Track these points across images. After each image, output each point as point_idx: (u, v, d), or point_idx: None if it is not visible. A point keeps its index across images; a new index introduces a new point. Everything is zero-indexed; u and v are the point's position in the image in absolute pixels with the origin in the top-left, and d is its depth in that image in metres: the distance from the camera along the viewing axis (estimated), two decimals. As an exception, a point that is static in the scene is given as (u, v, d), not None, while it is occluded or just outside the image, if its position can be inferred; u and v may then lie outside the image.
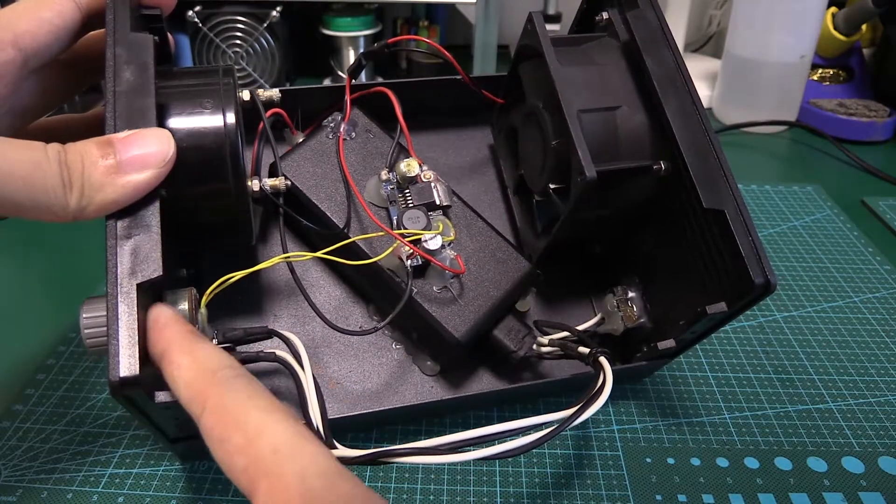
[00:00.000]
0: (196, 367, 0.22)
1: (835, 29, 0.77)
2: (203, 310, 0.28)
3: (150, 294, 0.26)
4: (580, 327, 0.37)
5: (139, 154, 0.26)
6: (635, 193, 0.35)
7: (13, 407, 0.38)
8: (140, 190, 0.26)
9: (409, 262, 0.34)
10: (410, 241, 0.34)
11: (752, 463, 0.36)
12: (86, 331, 0.25)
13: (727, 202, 0.31)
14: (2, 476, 0.34)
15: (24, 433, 0.37)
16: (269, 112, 0.35)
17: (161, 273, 0.25)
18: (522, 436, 0.27)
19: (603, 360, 0.32)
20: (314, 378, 0.31)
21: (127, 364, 0.24)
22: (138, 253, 0.25)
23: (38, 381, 0.40)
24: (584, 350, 0.34)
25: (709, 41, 0.98)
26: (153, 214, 0.26)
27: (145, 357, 0.24)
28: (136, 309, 0.24)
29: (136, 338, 0.24)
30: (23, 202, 0.24)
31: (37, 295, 0.49)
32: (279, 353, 0.32)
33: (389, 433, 0.37)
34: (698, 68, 0.87)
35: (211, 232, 0.32)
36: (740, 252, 0.30)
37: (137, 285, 0.25)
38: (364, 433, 0.37)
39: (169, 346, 0.23)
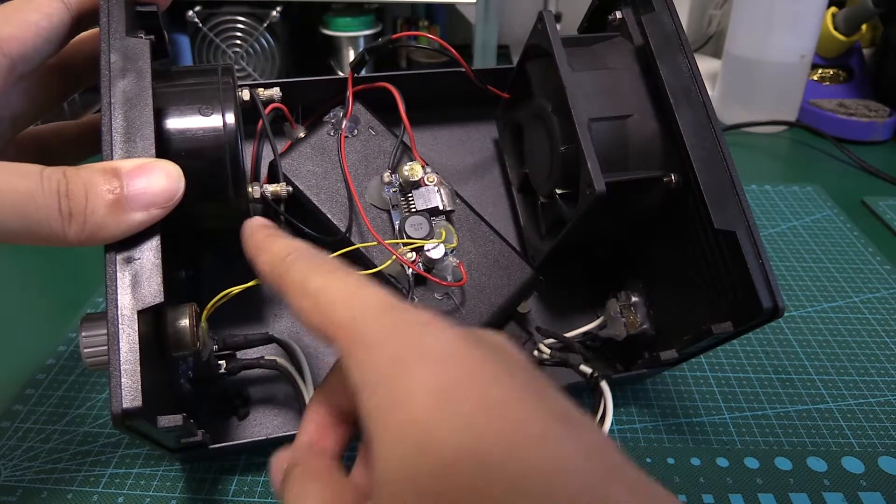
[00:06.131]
0: (271, 261, 0.24)
1: (835, 29, 0.77)
2: (204, 324, 0.28)
3: (152, 315, 0.26)
4: (581, 329, 0.37)
5: (146, 189, 0.25)
6: (643, 203, 0.34)
7: (13, 407, 0.38)
8: (144, 226, 0.25)
9: (411, 269, 0.34)
10: (413, 249, 0.34)
11: (752, 463, 0.36)
12: (86, 350, 0.25)
13: (738, 223, 0.31)
14: (2, 476, 0.34)
15: (24, 433, 0.37)
16: (269, 108, 0.35)
17: (162, 300, 0.25)
18: None
19: (604, 385, 0.32)
20: (314, 387, 0.31)
21: (129, 396, 0.23)
22: (139, 280, 0.25)
23: (38, 381, 0.40)
24: (585, 370, 0.34)
25: (709, 41, 0.98)
26: (153, 239, 0.25)
27: (147, 384, 0.24)
28: (137, 337, 0.24)
29: (138, 367, 0.24)
30: (16, 232, 0.23)
31: (37, 295, 0.49)
32: (280, 360, 0.32)
33: (389, 433, 0.37)
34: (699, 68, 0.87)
35: (210, 237, 0.32)
36: (749, 275, 0.30)
37: (138, 312, 0.24)
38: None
39: (253, 254, 0.25)
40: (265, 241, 0.25)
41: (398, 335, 0.20)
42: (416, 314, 0.20)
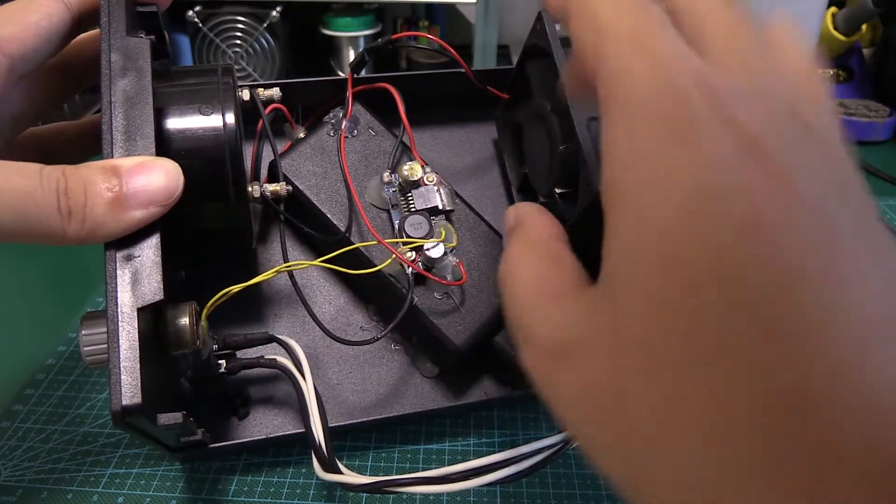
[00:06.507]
0: None
1: (835, 29, 0.77)
2: (204, 322, 0.28)
3: (152, 313, 0.26)
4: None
5: (145, 187, 0.25)
6: None
7: (13, 407, 0.38)
8: (143, 224, 0.25)
9: (410, 268, 0.34)
10: (413, 248, 0.34)
11: (752, 463, 0.36)
12: (86, 348, 0.25)
13: None
14: (2, 476, 0.34)
15: (24, 433, 0.37)
16: (269, 108, 0.35)
17: (162, 297, 0.25)
18: (525, 460, 0.28)
19: None
20: (314, 385, 0.31)
21: (129, 393, 0.23)
22: (139, 277, 0.25)
23: (38, 381, 0.40)
24: None
25: (709, 41, 0.98)
26: (153, 237, 0.26)
27: (147, 381, 0.24)
28: (137, 334, 0.24)
29: (138, 364, 0.24)
30: (16, 230, 0.23)
31: (37, 295, 0.49)
32: (280, 359, 0.32)
33: (389, 433, 0.37)
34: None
35: (210, 237, 0.32)
36: None
37: (138, 310, 0.24)
38: (364, 433, 0.37)
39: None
40: None
41: (673, 106, 0.17)
42: (709, 92, 0.17)
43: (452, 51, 0.37)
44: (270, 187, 0.33)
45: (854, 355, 0.14)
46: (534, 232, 0.22)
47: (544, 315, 0.19)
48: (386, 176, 0.36)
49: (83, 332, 0.25)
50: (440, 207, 0.36)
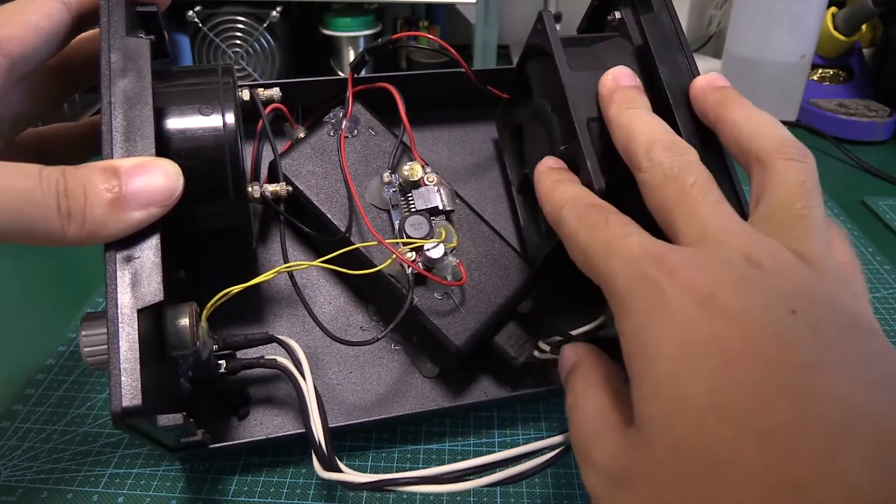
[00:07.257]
0: (549, 212, 0.29)
1: (835, 29, 0.77)
2: (204, 323, 0.28)
3: (152, 314, 0.26)
4: (581, 329, 0.37)
5: (145, 187, 0.25)
6: (643, 202, 0.34)
7: (13, 407, 0.38)
8: (143, 225, 0.25)
9: (411, 269, 0.34)
10: (413, 249, 0.34)
11: (752, 463, 0.36)
12: (85, 349, 0.25)
13: None
14: (2, 476, 0.34)
15: (24, 433, 0.37)
16: (269, 108, 0.35)
17: (162, 298, 0.25)
18: (527, 460, 0.28)
19: None
20: (314, 385, 0.31)
21: (129, 395, 0.23)
22: (139, 278, 0.25)
23: (38, 381, 0.40)
24: None
25: (709, 41, 0.98)
26: (153, 238, 0.26)
27: (147, 383, 0.24)
28: (137, 336, 0.24)
29: (138, 366, 0.24)
30: (15, 232, 0.23)
31: (37, 295, 0.49)
32: (280, 359, 0.32)
33: (389, 433, 0.37)
34: (699, 68, 0.87)
35: (210, 237, 0.32)
36: None
37: (138, 311, 0.24)
38: (364, 433, 0.37)
39: (540, 201, 0.30)
40: (547, 190, 0.29)
41: (645, 291, 0.21)
42: (666, 271, 0.21)
43: (453, 50, 0.37)
44: (270, 187, 0.33)
45: (826, 452, 0.17)
46: (596, 370, 0.26)
47: (604, 445, 0.23)
48: (386, 176, 0.36)
49: (83, 333, 0.25)
50: (440, 208, 0.36)
